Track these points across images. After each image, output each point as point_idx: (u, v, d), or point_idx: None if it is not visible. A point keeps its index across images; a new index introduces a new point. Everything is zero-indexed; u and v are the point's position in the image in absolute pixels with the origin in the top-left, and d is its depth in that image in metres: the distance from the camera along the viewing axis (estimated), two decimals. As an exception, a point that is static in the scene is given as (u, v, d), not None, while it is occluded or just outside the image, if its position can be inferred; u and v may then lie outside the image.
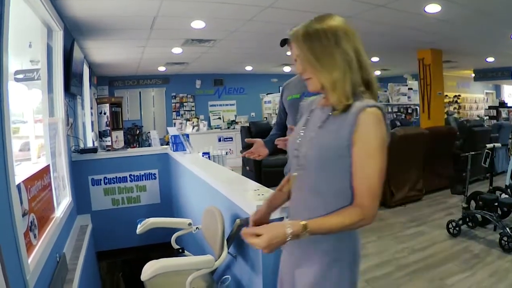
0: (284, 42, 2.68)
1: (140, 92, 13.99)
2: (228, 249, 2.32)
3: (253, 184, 2.59)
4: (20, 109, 3.43)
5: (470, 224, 5.21)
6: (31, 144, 3.53)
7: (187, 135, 4.66)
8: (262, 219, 1.79)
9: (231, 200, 2.45)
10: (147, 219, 2.71)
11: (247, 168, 9.11)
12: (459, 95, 17.29)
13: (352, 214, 1.46)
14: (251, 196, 2.17)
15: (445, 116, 11.19)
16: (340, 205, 1.51)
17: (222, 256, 2.20)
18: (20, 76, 3.51)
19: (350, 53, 1.51)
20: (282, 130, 2.97)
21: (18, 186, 2.47)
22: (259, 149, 2.83)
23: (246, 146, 9.70)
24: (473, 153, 5.15)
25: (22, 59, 3.69)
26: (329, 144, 1.52)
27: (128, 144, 11.21)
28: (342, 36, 1.52)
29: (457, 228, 5.02)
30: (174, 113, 14.39)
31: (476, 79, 15.78)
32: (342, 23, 1.57)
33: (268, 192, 2.22)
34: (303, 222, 1.42)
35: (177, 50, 9.16)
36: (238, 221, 2.20)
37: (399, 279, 3.82)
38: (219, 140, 12.62)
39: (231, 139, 12.88)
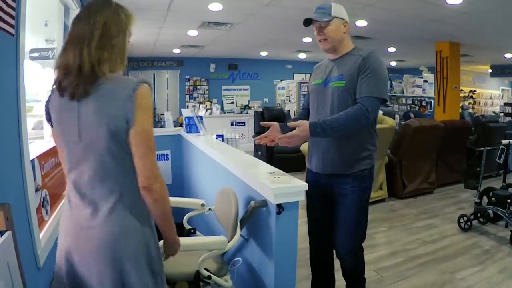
0: (309, 22, 2.64)
1: (154, 74, 14.03)
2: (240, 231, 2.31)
3: (268, 167, 2.57)
4: (34, 87, 3.43)
5: (481, 219, 5.17)
6: (45, 123, 3.54)
7: (201, 117, 4.64)
8: None
9: (246, 182, 2.44)
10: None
11: (259, 153, 9.12)
12: (474, 90, 17.12)
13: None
14: (267, 179, 2.15)
15: (460, 110, 11.08)
16: None
17: (235, 238, 2.19)
18: (35, 54, 3.51)
19: None
20: (307, 113, 2.92)
21: (32, 162, 2.47)
22: (273, 134, 2.73)
23: (259, 132, 9.71)
24: (488, 148, 5.09)
25: (38, 38, 3.68)
26: None
27: (141, 125, 11.22)
28: None
29: (469, 223, 4.98)
30: (188, 96, 14.42)
31: (492, 74, 15.62)
32: None
33: (284, 175, 2.21)
34: None
35: (193, 32, 9.13)
36: (252, 203, 2.19)
37: (409, 270, 3.81)
38: (232, 124, 12.63)
39: (243, 124, 12.88)
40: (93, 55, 1.54)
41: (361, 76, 2.48)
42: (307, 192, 2.60)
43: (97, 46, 1.55)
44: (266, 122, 2.74)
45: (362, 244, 2.81)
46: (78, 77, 1.54)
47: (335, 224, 2.73)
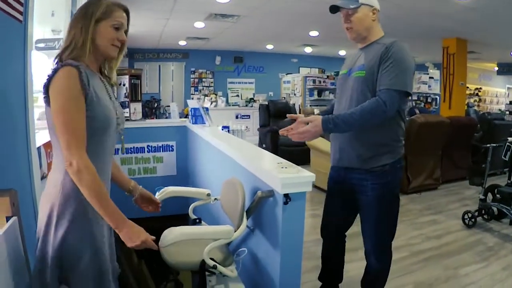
0: (335, 9, 2.55)
1: (159, 66, 14.04)
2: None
3: (275, 158, 2.55)
4: (40, 78, 3.42)
5: (485, 216, 5.15)
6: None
7: (207, 109, 4.63)
8: None
9: (252, 172, 2.43)
10: (166, 187, 2.70)
11: (264, 145, 9.11)
12: (480, 88, 17.06)
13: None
14: (274, 169, 2.14)
15: (465, 108, 11.05)
16: None
17: (241, 227, 2.18)
18: (41, 45, 3.50)
19: None
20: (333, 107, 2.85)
21: (38, 149, 2.47)
22: (299, 126, 2.57)
23: (264, 124, 9.72)
24: (494, 145, 5.07)
25: (44, 28, 3.67)
26: None
27: (145, 116, 11.25)
28: None
29: (473, 220, 4.97)
30: (193, 88, 14.44)
31: (499, 72, 15.55)
32: None
33: (291, 166, 2.19)
34: None
35: (199, 24, 9.12)
36: (259, 193, 2.18)
37: (413, 265, 3.80)
38: (237, 117, 12.64)
39: (248, 117, 12.90)
40: (67, 36, 1.73)
41: (382, 66, 2.35)
42: (327, 186, 2.75)
43: (70, 27, 1.74)
44: (292, 115, 2.62)
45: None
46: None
47: (360, 219, 2.70)
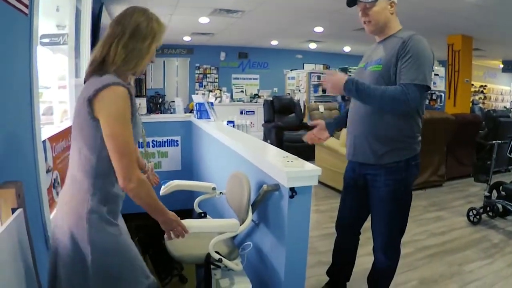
0: (353, 2, 2.51)
1: (164, 61, 14.03)
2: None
3: (281, 152, 2.56)
4: (44, 73, 3.42)
5: (490, 213, 5.14)
6: (55, 108, 3.54)
7: (212, 103, 4.63)
8: None
9: (257, 166, 2.43)
10: (171, 181, 2.71)
11: (268, 141, 9.11)
12: (485, 86, 16.98)
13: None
14: (280, 163, 2.14)
15: (470, 105, 11.00)
16: None
17: (246, 221, 2.19)
18: (46, 40, 3.49)
19: None
20: None
21: (44, 143, 2.48)
22: (320, 132, 2.82)
23: (269, 120, 9.71)
24: (500, 142, 5.05)
25: (49, 24, 3.67)
26: None
27: (150, 112, 11.26)
28: None
29: (478, 216, 4.96)
30: (197, 84, 14.42)
31: (504, 70, 15.49)
32: None
33: (297, 159, 2.19)
34: None
35: (204, 20, 9.10)
36: (265, 186, 2.18)
37: (418, 261, 3.80)
38: (241, 112, 12.65)
39: (253, 113, 12.91)
40: (119, 52, 1.71)
41: (401, 61, 2.33)
42: (344, 180, 2.87)
43: (124, 45, 1.71)
44: (314, 121, 2.81)
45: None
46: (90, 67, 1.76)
47: (371, 214, 2.70)
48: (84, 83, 1.75)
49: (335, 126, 2.93)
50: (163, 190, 2.63)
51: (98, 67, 1.73)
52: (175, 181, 2.71)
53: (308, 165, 2.12)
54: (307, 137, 2.89)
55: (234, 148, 2.96)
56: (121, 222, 1.89)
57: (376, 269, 2.82)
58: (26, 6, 2.15)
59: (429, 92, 2.51)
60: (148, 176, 2.44)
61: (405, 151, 2.50)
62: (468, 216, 5.06)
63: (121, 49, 1.72)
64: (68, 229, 1.73)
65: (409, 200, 2.65)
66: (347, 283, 3.14)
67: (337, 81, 2.37)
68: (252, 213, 2.28)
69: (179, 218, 1.94)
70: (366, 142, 2.51)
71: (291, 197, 2.02)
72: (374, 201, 2.62)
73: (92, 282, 1.73)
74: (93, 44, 4.71)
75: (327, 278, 3.21)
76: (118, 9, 7.54)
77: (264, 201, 2.32)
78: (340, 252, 3.06)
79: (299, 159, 2.20)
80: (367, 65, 2.58)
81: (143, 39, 1.76)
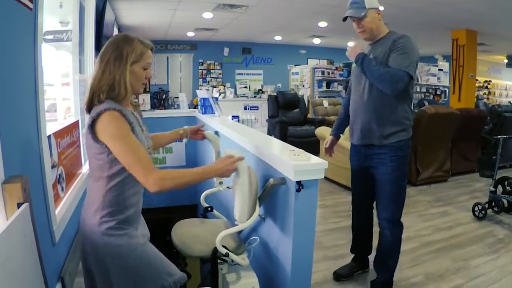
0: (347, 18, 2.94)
1: (167, 57, 14.00)
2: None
3: (287, 146, 2.55)
4: (48, 70, 3.41)
5: (495, 209, 5.13)
6: (58, 105, 3.53)
7: (216, 99, 4.63)
8: None
9: (263, 160, 2.43)
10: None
11: (272, 137, 9.10)
12: (489, 81, 16.89)
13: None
14: (287, 156, 2.13)
15: (475, 100, 10.96)
16: None
17: (253, 215, 2.18)
18: (50, 37, 3.48)
19: None
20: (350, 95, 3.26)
21: (49, 138, 2.47)
22: (334, 145, 3.55)
23: (273, 116, 9.70)
24: (505, 136, 5.03)
25: (52, 20, 3.66)
26: None
27: (154, 107, 11.26)
28: None
29: (483, 212, 4.94)
30: (201, 79, 14.41)
31: (508, 65, 15.38)
32: None
33: (303, 153, 2.18)
34: None
35: (208, 15, 9.08)
36: (271, 180, 2.17)
37: (424, 256, 3.79)
38: (245, 108, 12.66)
39: (257, 108, 12.92)
40: (103, 81, 1.85)
41: (393, 53, 2.77)
42: (351, 164, 3.29)
43: (103, 73, 1.86)
44: (329, 148, 3.54)
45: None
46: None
47: (376, 193, 3.10)
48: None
49: (340, 131, 3.56)
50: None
51: (93, 98, 1.86)
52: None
53: (314, 159, 2.11)
54: (327, 154, 3.54)
55: (239, 142, 2.95)
56: (138, 225, 2.02)
57: (382, 250, 3.19)
58: (31, 0, 2.13)
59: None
60: (191, 137, 2.72)
61: (404, 132, 2.93)
62: (473, 211, 5.05)
63: (103, 78, 1.85)
64: (85, 234, 1.90)
65: (405, 180, 3.09)
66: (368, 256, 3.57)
67: (355, 50, 2.89)
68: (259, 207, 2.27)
69: (224, 162, 2.05)
70: (374, 126, 2.92)
71: (298, 190, 2.02)
72: (379, 178, 3.02)
73: (114, 280, 1.86)
74: (97, 40, 4.70)
75: (332, 273, 3.49)
76: (121, 5, 7.55)
77: (270, 195, 2.31)
78: (358, 230, 3.48)
79: (305, 152, 2.19)
80: None
81: (121, 59, 1.86)
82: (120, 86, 1.85)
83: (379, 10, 2.88)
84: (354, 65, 3.05)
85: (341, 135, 3.60)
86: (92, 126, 1.79)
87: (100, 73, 1.86)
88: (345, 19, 2.94)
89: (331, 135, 3.53)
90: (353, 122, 3.12)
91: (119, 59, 1.86)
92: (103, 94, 1.83)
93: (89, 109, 1.87)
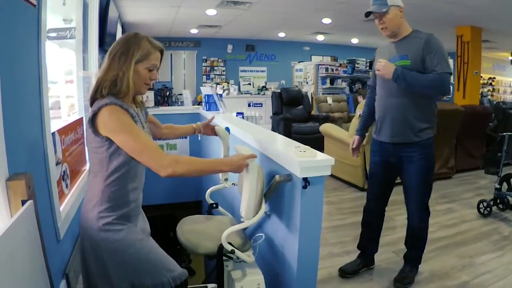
0: (369, 13, 2.99)
1: (171, 54, 14.01)
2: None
3: (292, 142, 2.54)
4: (51, 68, 3.41)
5: (500, 206, 5.11)
6: (62, 103, 3.53)
7: (220, 95, 4.62)
8: None
9: (269, 156, 2.42)
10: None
11: (276, 134, 9.09)
12: (494, 78, 16.83)
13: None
14: (293, 153, 2.12)
15: (479, 97, 10.92)
16: None
17: (259, 212, 2.17)
18: (53, 34, 3.48)
19: None
20: (374, 93, 3.32)
21: (53, 135, 2.46)
22: (360, 144, 3.56)
23: (277, 112, 9.69)
24: (510, 134, 5.01)
25: (55, 18, 3.65)
26: None
27: (158, 104, 11.27)
28: None
29: (488, 209, 4.93)
30: (205, 76, 14.42)
31: (513, 62, 15.30)
32: None
33: (309, 149, 2.17)
34: None
35: (211, 11, 9.07)
36: (277, 177, 2.16)
37: (429, 253, 3.78)
38: (249, 105, 12.68)
39: (261, 105, 12.93)
40: (106, 77, 1.87)
41: (428, 56, 2.83)
42: (372, 159, 3.37)
43: (107, 69, 1.88)
44: (353, 145, 3.54)
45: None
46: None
47: (404, 188, 3.24)
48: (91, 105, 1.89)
49: (366, 130, 3.58)
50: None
51: (97, 91, 1.87)
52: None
53: (320, 155, 2.10)
54: (354, 154, 3.58)
55: (244, 139, 2.94)
56: (138, 221, 2.02)
57: (412, 234, 3.34)
58: (34, -4, 2.13)
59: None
60: (204, 132, 2.75)
61: (431, 130, 3.04)
62: (478, 208, 5.04)
63: (108, 67, 1.88)
64: (84, 229, 1.91)
65: (433, 170, 3.25)
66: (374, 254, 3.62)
67: (388, 67, 2.89)
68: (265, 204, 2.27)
69: (239, 157, 2.08)
70: (406, 123, 3.00)
71: (304, 187, 2.01)
72: (409, 174, 3.13)
73: (113, 275, 1.87)
74: (101, 37, 4.70)
75: (337, 270, 3.51)
76: (125, 2, 7.54)
77: (276, 191, 2.30)
78: (369, 226, 3.51)
79: (311, 149, 2.18)
80: (391, 60, 2.97)
81: (126, 56, 1.87)
82: (122, 83, 1.86)
83: (402, 8, 2.95)
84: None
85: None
86: (92, 120, 1.80)
87: (107, 67, 1.88)
88: (367, 14, 3.00)
89: (357, 135, 3.55)
90: (382, 119, 3.16)
91: (125, 56, 1.87)
92: (105, 89, 1.84)
93: (92, 103, 1.89)
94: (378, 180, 3.37)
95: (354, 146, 3.54)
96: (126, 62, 1.86)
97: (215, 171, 2.08)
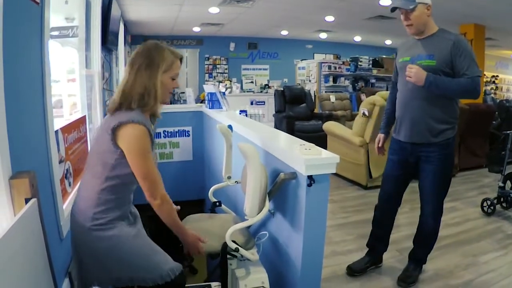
0: (395, 8, 2.92)
1: (173, 52, 13.96)
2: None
3: (297, 140, 2.53)
4: (53, 67, 3.41)
5: (504, 204, 5.09)
6: (64, 101, 3.53)
7: (224, 93, 4.60)
8: None
9: (273, 154, 2.41)
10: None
11: (279, 132, 9.08)
12: (497, 76, 16.81)
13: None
14: (297, 150, 2.11)
15: (483, 95, 10.89)
16: None
17: (263, 210, 2.16)
18: (55, 33, 3.48)
19: None
20: (396, 90, 3.25)
21: (56, 133, 2.47)
22: (384, 142, 3.51)
23: (280, 110, 9.67)
24: (514, 132, 4.99)
25: (58, 16, 3.65)
26: None
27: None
28: None
29: (492, 207, 4.90)
30: (207, 74, 14.43)
31: (516, 60, 15.29)
32: None
33: (314, 147, 2.16)
34: None
35: (214, 9, 9.06)
36: (282, 175, 2.15)
37: (433, 252, 3.73)
38: (251, 103, 12.66)
39: (263, 103, 12.90)
40: (135, 90, 1.91)
41: (458, 58, 2.76)
42: (390, 158, 3.32)
43: (134, 83, 1.91)
44: (378, 144, 3.50)
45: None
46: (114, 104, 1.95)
47: (420, 187, 3.18)
48: (106, 114, 1.97)
49: (389, 128, 3.48)
50: None
51: (122, 104, 1.91)
52: None
53: (325, 153, 2.10)
54: (380, 153, 3.55)
55: (248, 137, 2.94)
56: (129, 218, 2.06)
57: (424, 231, 3.31)
58: (38, -6, 2.12)
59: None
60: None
61: (452, 130, 2.99)
62: (482, 207, 5.01)
63: (135, 85, 1.91)
64: (75, 228, 1.93)
65: (451, 170, 3.27)
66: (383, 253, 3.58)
67: (420, 75, 2.79)
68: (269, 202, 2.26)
69: (198, 239, 2.17)
70: (424, 125, 2.96)
71: (309, 185, 2.00)
72: (427, 174, 3.07)
73: (108, 269, 1.90)
74: (104, 35, 4.69)
75: (342, 268, 3.50)
76: (127, 0, 7.53)
77: (281, 189, 2.29)
78: (381, 224, 3.48)
79: (316, 146, 2.17)
80: (414, 59, 2.93)
81: (152, 67, 1.92)
82: (150, 95, 1.90)
83: (429, 6, 2.87)
84: (401, 59, 3.09)
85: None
86: (115, 129, 1.82)
87: (132, 79, 1.91)
88: (393, 10, 2.93)
89: (382, 133, 3.51)
90: (401, 118, 3.13)
91: (150, 68, 1.91)
92: (135, 103, 1.88)
93: (113, 111, 1.91)
94: (394, 179, 3.31)
95: (380, 145, 3.51)
96: (152, 73, 1.91)
97: (176, 232, 2.11)
